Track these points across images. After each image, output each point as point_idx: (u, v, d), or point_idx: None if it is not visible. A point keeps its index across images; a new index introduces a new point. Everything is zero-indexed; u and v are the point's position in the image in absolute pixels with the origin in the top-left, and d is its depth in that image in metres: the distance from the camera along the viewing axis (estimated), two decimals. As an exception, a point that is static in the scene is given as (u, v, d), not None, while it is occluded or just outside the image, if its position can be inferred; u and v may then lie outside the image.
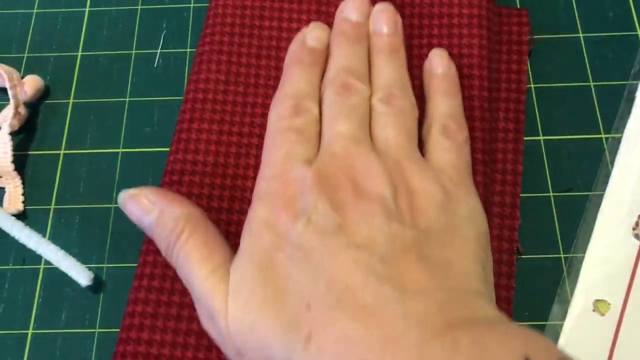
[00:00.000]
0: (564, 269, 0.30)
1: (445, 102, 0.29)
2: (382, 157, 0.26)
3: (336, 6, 0.34)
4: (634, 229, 0.30)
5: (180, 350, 0.27)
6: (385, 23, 0.30)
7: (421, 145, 0.28)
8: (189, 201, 0.28)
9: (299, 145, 0.27)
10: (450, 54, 0.32)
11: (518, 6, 0.36)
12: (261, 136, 0.31)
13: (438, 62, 0.31)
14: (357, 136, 0.27)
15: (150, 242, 0.29)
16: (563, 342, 0.28)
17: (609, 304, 0.29)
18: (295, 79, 0.29)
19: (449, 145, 0.28)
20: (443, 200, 0.25)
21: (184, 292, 0.28)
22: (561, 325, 0.29)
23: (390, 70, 0.29)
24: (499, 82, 0.33)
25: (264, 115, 0.32)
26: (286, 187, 0.26)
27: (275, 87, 0.32)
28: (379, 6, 0.31)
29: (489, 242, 0.27)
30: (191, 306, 0.28)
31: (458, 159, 0.28)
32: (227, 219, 0.30)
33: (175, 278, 0.28)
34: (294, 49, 0.31)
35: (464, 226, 0.25)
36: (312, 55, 0.30)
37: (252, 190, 0.30)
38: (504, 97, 0.33)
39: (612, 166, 0.32)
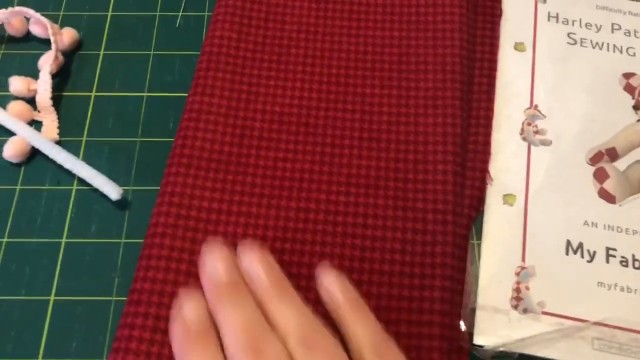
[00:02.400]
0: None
1: (363, 327, 0.28)
2: None
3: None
4: (520, 133, 0.37)
5: (197, 256, 0.32)
6: (259, 266, 0.28)
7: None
8: None
9: None
10: (435, 20, 0.38)
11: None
12: (267, 86, 0.37)
13: (336, 289, 0.28)
14: None
15: (171, 165, 0.34)
16: (485, 231, 0.34)
17: (515, 196, 0.35)
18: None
19: None
20: None
21: (200, 208, 0.33)
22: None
23: (290, 313, 0.27)
24: (475, 45, 0.39)
25: (270, 69, 0.38)
26: None
27: (280, 46, 0.38)
28: (242, 251, 0.29)
29: None
30: (207, 220, 0.33)
31: None
32: (237, 152, 0.35)
33: (192, 196, 0.33)
34: (177, 332, 0.27)
35: None
36: (200, 335, 0.26)
37: (259, 130, 0.35)
38: (479, 57, 0.39)
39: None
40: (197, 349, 0.26)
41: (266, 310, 0.27)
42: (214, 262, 0.28)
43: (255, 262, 0.28)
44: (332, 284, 0.28)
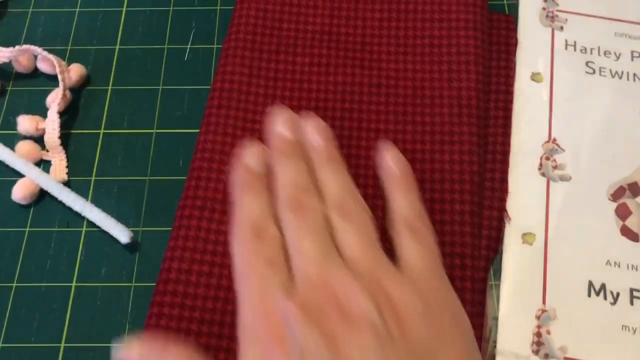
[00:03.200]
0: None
1: (407, 200, 0.30)
2: (357, 275, 0.26)
3: (347, 10, 0.39)
4: (539, 169, 0.36)
5: (212, 302, 0.31)
6: (317, 134, 0.31)
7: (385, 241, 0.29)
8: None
9: (272, 276, 0.27)
10: (449, 52, 0.37)
11: (506, 12, 0.41)
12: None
13: (392, 161, 0.32)
14: (327, 259, 0.27)
15: (184, 207, 0.34)
16: (505, 273, 0.33)
17: (534, 234, 0.34)
18: (248, 205, 0.29)
19: (421, 249, 0.29)
20: (425, 309, 0.26)
21: (215, 252, 0.32)
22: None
23: (335, 180, 0.30)
24: (490, 77, 0.38)
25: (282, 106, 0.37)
26: (271, 323, 0.26)
27: (292, 81, 0.37)
28: (306, 118, 0.32)
29: (473, 337, 0.28)
30: (221, 264, 0.32)
31: (432, 262, 0.28)
32: None
33: (207, 239, 0.33)
34: (238, 175, 0.31)
35: (450, 331, 0.26)
36: (258, 179, 0.30)
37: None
38: (494, 89, 0.38)
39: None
40: (252, 193, 0.30)
41: (317, 174, 0.30)
42: (282, 121, 0.32)
43: (317, 130, 0.31)
44: (391, 159, 0.32)
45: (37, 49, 0.38)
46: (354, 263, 0.27)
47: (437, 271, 0.28)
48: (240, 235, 0.29)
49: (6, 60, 0.39)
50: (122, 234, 0.34)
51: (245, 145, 0.31)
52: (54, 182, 0.35)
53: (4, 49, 0.38)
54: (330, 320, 0.25)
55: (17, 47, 0.38)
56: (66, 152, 0.37)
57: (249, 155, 0.31)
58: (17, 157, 0.36)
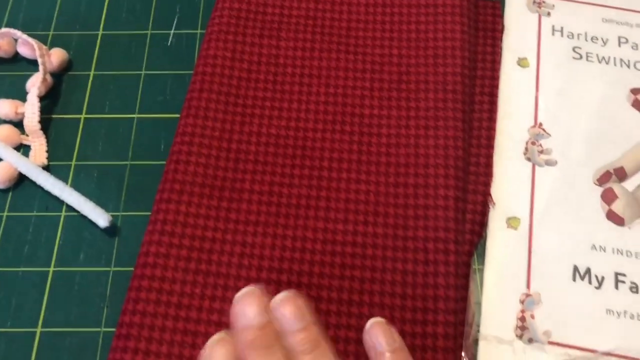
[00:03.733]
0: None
1: None
2: None
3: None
4: (524, 153, 0.35)
5: (190, 287, 0.31)
6: (292, 317, 0.26)
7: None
8: None
9: None
10: (435, 38, 0.37)
11: (492, -1, 0.41)
12: (263, 107, 0.36)
13: (383, 340, 0.27)
14: None
15: (163, 190, 0.33)
16: (489, 257, 0.33)
17: (519, 219, 0.34)
18: None
19: None
20: None
21: (194, 236, 0.32)
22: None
23: None
24: (476, 62, 0.38)
25: (266, 90, 0.36)
26: None
27: (275, 65, 0.37)
28: (278, 298, 0.26)
29: None
30: (200, 249, 0.32)
31: None
32: (232, 176, 0.34)
33: (185, 223, 0.32)
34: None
35: None
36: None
37: (254, 153, 0.34)
38: (480, 74, 0.37)
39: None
40: None
41: None
42: (245, 305, 0.26)
43: (293, 314, 0.26)
44: (380, 330, 0.27)
45: (17, 32, 0.37)
46: None
47: None
48: None
49: (-14, 43, 0.38)
50: (100, 218, 0.33)
51: (210, 342, 0.26)
52: (33, 166, 0.35)
53: (-17, 32, 0.38)
54: None
55: (-3, 30, 0.38)
56: (47, 137, 0.37)
57: (216, 352, 0.26)
58: (-4, 141, 0.35)
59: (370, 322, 0.27)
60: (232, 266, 0.31)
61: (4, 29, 0.37)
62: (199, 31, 0.40)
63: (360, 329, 0.30)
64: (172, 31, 0.40)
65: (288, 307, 0.26)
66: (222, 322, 0.30)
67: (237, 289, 0.30)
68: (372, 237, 0.32)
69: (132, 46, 0.40)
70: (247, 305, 0.26)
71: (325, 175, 0.34)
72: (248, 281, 0.31)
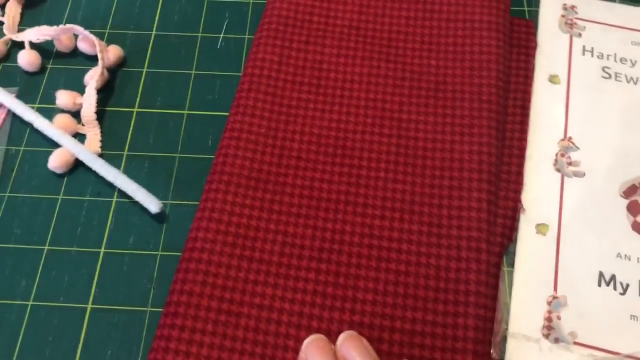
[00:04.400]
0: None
1: None
2: None
3: (375, 7, 0.41)
4: (554, 164, 0.37)
5: (234, 271, 0.33)
6: (358, 353, 0.28)
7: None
8: None
9: None
10: (472, 51, 0.39)
11: (527, 17, 0.43)
12: (307, 108, 0.38)
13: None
14: None
15: (212, 181, 0.35)
16: (518, 260, 0.35)
17: (548, 226, 0.35)
18: None
19: None
20: None
21: (239, 224, 0.34)
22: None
23: None
24: (509, 77, 0.40)
25: (309, 92, 0.38)
26: None
27: (319, 70, 0.39)
28: (342, 337, 0.29)
29: None
30: (245, 236, 0.34)
31: None
32: (276, 171, 0.36)
33: (232, 212, 0.34)
34: None
35: None
36: None
37: (297, 150, 0.36)
38: (513, 88, 0.39)
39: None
40: None
41: None
42: (314, 354, 0.29)
43: (354, 344, 0.29)
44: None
45: (80, 29, 0.40)
46: None
47: None
48: None
49: (49, 38, 0.41)
50: (152, 204, 0.35)
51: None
52: (88, 153, 0.37)
53: (47, 27, 0.40)
54: None
55: (60, 26, 0.40)
56: (101, 127, 0.39)
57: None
58: (55, 128, 0.38)
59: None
60: (274, 254, 0.33)
61: (68, 25, 0.40)
62: (247, 36, 0.43)
63: (394, 317, 0.32)
64: (221, 35, 0.43)
65: (353, 343, 0.29)
66: (263, 305, 0.32)
67: (279, 275, 0.33)
68: (408, 233, 0.34)
69: (182, 47, 0.42)
70: (315, 349, 0.29)
71: (363, 173, 0.36)
72: (289, 268, 0.33)
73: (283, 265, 0.33)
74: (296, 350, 0.31)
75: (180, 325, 0.31)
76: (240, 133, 0.37)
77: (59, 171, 0.37)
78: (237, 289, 0.32)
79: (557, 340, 0.32)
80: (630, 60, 0.41)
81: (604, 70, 0.40)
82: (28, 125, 0.39)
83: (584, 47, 0.41)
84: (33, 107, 0.39)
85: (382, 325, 0.32)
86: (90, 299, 0.34)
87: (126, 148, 0.39)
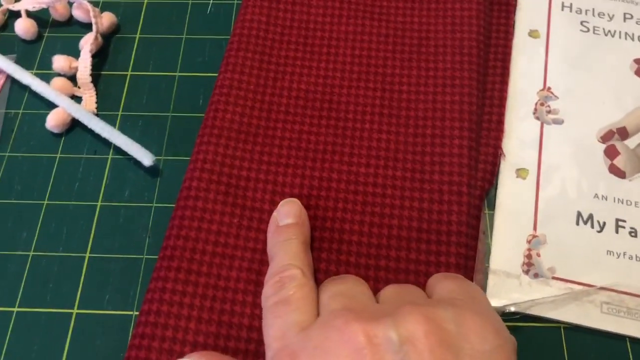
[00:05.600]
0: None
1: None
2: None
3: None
4: (534, 113, 0.38)
5: (228, 217, 0.34)
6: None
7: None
8: None
9: (290, 315, 0.27)
10: (453, 8, 0.40)
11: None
12: (294, 65, 0.39)
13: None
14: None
15: (203, 135, 0.36)
16: (499, 202, 0.36)
17: (527, 170, 0.37)
18: (277, 257, 0.31)
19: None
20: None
21: (230, 175, 0.35)
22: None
23: None
24: (490, 32, 0.41)
25: (297, 50, 0.40)
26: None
27: (306, 29, 0.40)
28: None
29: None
30: (236, 186, 0.35)
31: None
32: (265, 124, 0.37)
33: (223, 163, 0.35)
34: (270, 232, 0.33)
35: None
36: (288, 231, 0.32)
37: (285, 105, 0.38)
38: (494, 43, 0.41)
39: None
40: (281, 244, 0.31)
41: None
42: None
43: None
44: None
45: (74, -5, 0.41)
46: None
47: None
48: (266, 287, 0.30)
49: (44, 6, 0.42)
50: (145, 157, 0.37)
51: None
52: (84, 112, 0.38)
53: (43, -5, 0.42)
54: None
55: (55, -7, 0.42)
56: (96, 90, 0.41)
57: (278, 211, 0.33)
58: (52, 89, 0.39)
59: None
60: (265, 202, 0.35)
61: (62, -8, 0.41)
62: (235, 1, 0.44)
63: (378, 256, 0.33)
64: (211, 1, 0.44)
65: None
66: (256, 249, 0.33)
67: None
68: (392, 179, 0.35)
69: (174, 13, 0.44)
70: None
71: (349, 125, 0.37)
72: (278, 214, 0.34)
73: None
74: (286, 288, 0.32)
75: (176, 267, 0.32)
76: (230, 89, 0.38)
77: (56, 130, 0.39)
78: (232, 234, 0.34)
79: (536, 276, 0.34)
80: (608, 14, 0.42)
81: (582, 25, 0.42)
82: (26, 89, 0.40)
83: (562, 3, 0.43)
84: (31, 73, 0.41)
85: (367, 264, 0.33)
86: (88, 249, 0.35)
87: (120, 108, 0.40)
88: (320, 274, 0.32)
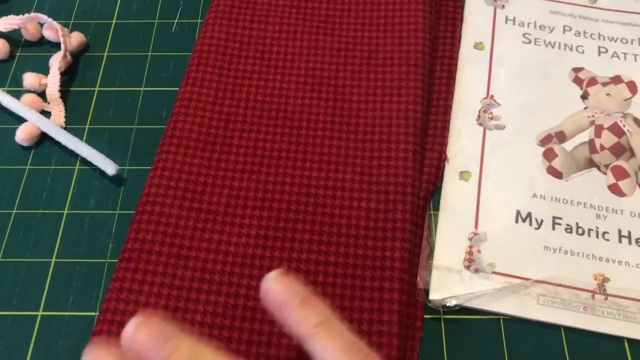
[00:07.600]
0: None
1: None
2: None
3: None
4: (477, 119, 0.41)
5: (184, 220, 0.36)
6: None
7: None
8: None
9: None
10: (401, 22, 0.43)
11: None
12: (251, 78, 0.42)
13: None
14: None
15: (163, 144, 0.38)
16: (442, 202, 0.38)
17: (470, 173, 0.39)
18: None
19: None
20: None
21: (188, 181, 0.37)
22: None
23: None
24: (437, 45, 0.44)
25: (254, 64, 0.42)
26: None
27: (263, 45, 0.43)
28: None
29: None
30: (193, 191, 0.37)
31: None
32: (223, 134, 0.39)
33: (181, 170, 0.37)
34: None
35: None
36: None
37: (242, 116, 0.40)
38: (440, 55, 0.43)
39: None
40: None
41: None
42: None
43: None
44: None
45: (44, 17, 0.44)
46: None
47: None
48: None
49: (16, 27, 0.44)
50: (109, 166, 0.39)
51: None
52: (52, 125, 0.40)
53: (13, 16, 0.44)
54: None
55: (26, 14, 0.44)
56: (65, 106, 0.43)
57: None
58: (21, 105, 0.41)
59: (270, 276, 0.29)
60: (220, 205, 0.37)
61: (33, 14, 0.44)
62: (199, 20, 0.47)
63: (328, 253, 0.35)
64: (176, 20, 0.47)
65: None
66: (210, 249, 0.35)
67: (225, 223, 0.36)
68: (342, 181, 0.37)
69: (140, 32, 0.46)
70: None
71: (303, 133, 0.39)
72: (234, 217, 0.36)
73: (229, 215, 0.36)
74: (239, 286, 0.34)
75: (133, 268, 0.34)
76: (190, 102, 0.40)
77: (25, 143, 0.41)
78: (186, 235, 0.36)
79: (477, 271, 0.36)
80: (549, 27, 0.45)
81: (524, 37, 0.44)
82: (-2, 105, 0.43)
83: (506, 16, 0.45)
84: (2, 90, 0.43)
85: (317, 260, 0.35)
86: (54, 254, 0.37)
87: (88, 122, 0.42)
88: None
